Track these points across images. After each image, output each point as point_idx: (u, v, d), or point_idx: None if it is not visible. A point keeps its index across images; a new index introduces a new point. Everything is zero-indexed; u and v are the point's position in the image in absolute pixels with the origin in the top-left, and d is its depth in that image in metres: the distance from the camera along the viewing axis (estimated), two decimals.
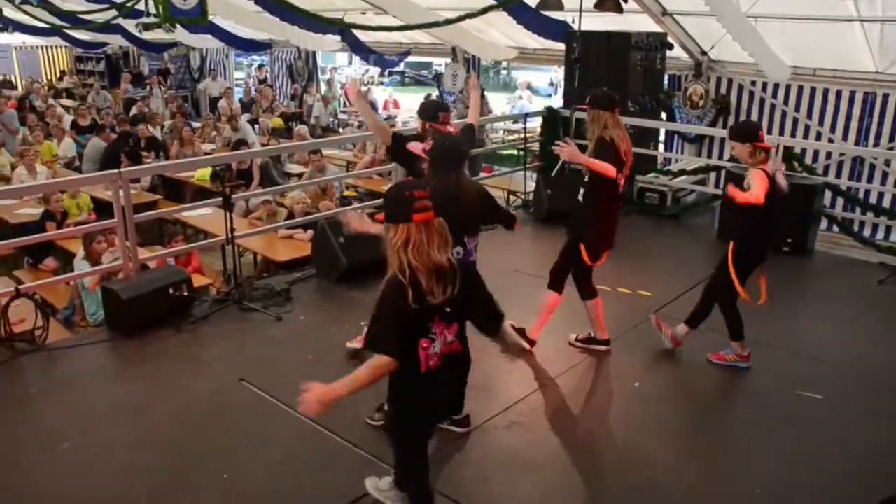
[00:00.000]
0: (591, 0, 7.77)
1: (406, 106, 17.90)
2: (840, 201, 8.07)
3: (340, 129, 15.31)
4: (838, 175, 8.56)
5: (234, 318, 5.58)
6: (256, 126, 13.75)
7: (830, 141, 8.80)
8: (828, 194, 7.78)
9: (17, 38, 19.23)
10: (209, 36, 14.90)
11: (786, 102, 9.18)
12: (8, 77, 20.58)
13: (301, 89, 16.64)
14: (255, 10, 11.74)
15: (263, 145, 11.80)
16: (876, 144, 8.41)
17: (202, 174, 9.91)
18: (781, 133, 9.02)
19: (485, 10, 7.99)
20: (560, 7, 8.11)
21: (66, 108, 15.63)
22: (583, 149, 4.74)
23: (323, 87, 17.53)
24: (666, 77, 10.00)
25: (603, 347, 5.08)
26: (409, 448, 3.04)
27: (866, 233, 7.77)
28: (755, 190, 4.41)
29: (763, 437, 4.12)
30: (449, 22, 8.68)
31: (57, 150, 11.67)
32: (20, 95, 16.64)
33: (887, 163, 8.32)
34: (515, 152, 12.96)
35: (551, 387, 4.63)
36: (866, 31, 7.83)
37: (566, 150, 4.56)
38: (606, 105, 4.69)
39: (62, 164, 11.24)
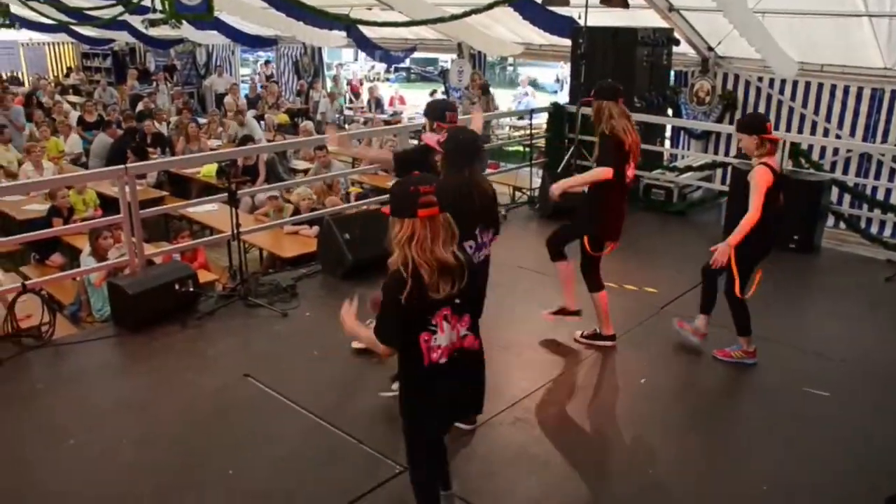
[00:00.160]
0: None
1: (412, 102, 17.88)
2: (847, 198, 8.04)
3: (346, 126, 15.31)
4: (845, 171, 8.54)
5: (240, 314, 5.59)
6: (262, 122, 13.76)
7: (838, 137, 8.76)
8: (835, 191, 7.74)
9: (25, 35, 19.26)
10: (215, 32, 14.91)
11: (793, 98, 9.14)
12: (15, 73, 20.62)
13: (307, 85, 16.64)
14: (261, 5, 11.76)
15: (269, 142, 11.81)
16: (884, 141, 8.37)
17: (208, 170, 9.92)
18: (788, 129, 8.99)
19: (490, 6, 7.99)
20: (566, 3, 8.09)
21: (73, 105, 15.66)
22: (590, 145, 4.76)
23: (329, 84, 17.54)
24: (672, 73, 9.98)
25: (608, 343, 5.06)
26: (412, 443, 3.02)
27: (874, 230, 7.74)
28: (752, 206, 4.47)
29: (769, 434, 4.11)
30: (454, 17, 8.68)
31: (63, 146, 11.71)
32: (27, 92, 16.66)
33: (895, 159, 8.28)
34: (521, 148, 12.96)
35: (557, 383, 4.62)
36: (874, 27, 7.79)
37: (557, 189, 4.87)
38: (610, 95, 4.72)
39: (68, 160, 11.28)
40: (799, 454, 3.93)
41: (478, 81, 11.74)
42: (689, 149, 10.11)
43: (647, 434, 4.16)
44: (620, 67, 8.50)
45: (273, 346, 5.13)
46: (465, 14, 8.47)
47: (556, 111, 9.17)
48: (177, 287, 5.45)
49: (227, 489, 3.63)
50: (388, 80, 25.94)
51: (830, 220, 7.67)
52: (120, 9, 11.27)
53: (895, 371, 4.79)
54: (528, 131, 9.60)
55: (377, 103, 16.82)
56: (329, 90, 16.50)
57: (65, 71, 21.88)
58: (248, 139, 11.10)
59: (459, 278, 2.70)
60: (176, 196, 9.77)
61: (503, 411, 4.24)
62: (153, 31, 14.98)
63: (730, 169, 8.09)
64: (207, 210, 8.13)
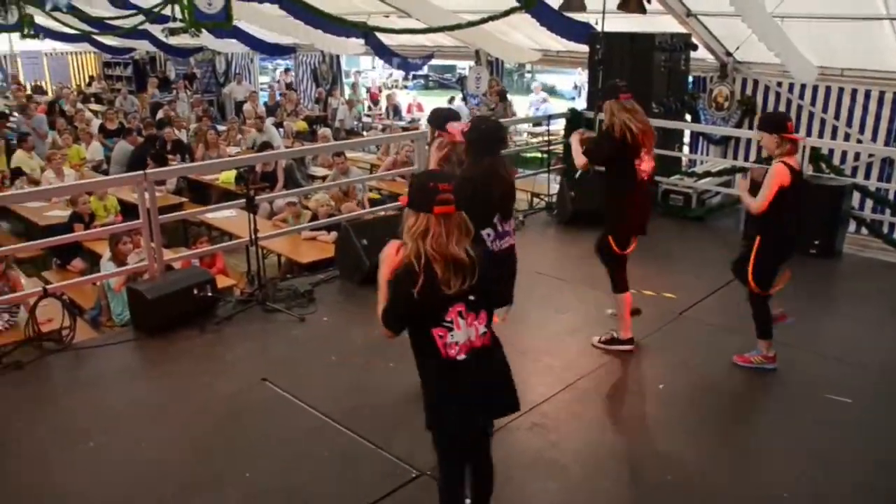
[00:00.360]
0: (615, 1, 7.73)
1: (430, 109, 17.88)
2: (869, 203, 7.94)
3: (364, 133, 15.37)
4: (867, 176, 8.43)
5: (258, 319, 5.62)
6: (281, 130, 13.84)
7: (859, 142, 8.66)
8: (857, 196, 7.66)
9: (48, 45, 19.54)
10: (234, 40, 15.02)
11: (813, 103, 9.05)
12: (39, 83, 20.90)
13: (325, 93, 16.73)
14: (280, 14, 11.84)
15: (287, 149, 11.87)
16: None
17: (227, 177, 9.99)
18: (809, 134, 8.89)
19: (507, 13, 7.98)
20: (583, 8, 8.07)
21: (95, 113, 15.84)
22: None
23: (347, 91, 17.62)
24: (691, 79, 9.93)
25: (626, 347, 5.03)
26: (436, 442, 2.98)
27: None
28: (761, 196, 4.48)
29: (790, 441, 4.06)
30: (471, 24, 8.69)
31: (85, 153, 11.85)
32: (49, 100, 16.88)
33: None
34: (539, 155, 12.95)
35: (574, 388, 4.59)
36: None
37: (575, 136, 4.93)
38: (610, 94, 4.79)
39: (90, 167, 11.42)
40: (820, 461, 3.87)
41: (495, 88, 11.75)
42: (708, 154, 10.04)
43: (665, 439, 4.13)
44: (638, 73, 8.48)
45: (290, 351, 5.15)
46: (482, 21, 8.47)
47: (573, 117, 9.15)
48: (195, 292, 5.49)
49: (243, 492, 3.65)
50: (406, 87, 26.04)
51: (852, 226, 7.59)
52: (140, 18, 11.39)
53: None
54: (545, 138, 9.57)
55: (395, 110, 16.88)
56: (347, 97, 16.57)
57: (87, 80, 22.14)
58: (266, 146, 11.16)
59: (471, 275, 2.73)
60: (195, 202, 9.84)
61: (520, 416, 4.20)
62: (173, 40, 15.17)
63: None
64: (226, 216, 8.18)
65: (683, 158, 9.61)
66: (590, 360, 4.97)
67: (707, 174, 8.52)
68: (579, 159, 4.86)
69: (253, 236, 5.91)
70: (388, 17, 11.60)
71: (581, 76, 20.50)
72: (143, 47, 19.08)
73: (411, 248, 2.71)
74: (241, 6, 11.26)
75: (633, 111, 4.72)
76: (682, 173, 8.71)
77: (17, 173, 10.34)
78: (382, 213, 7.55)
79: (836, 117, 8.88)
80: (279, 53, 17.46)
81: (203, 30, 10.18)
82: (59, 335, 5.22)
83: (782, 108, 9.32)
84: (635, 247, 4.98)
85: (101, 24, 13.88)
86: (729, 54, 9.52)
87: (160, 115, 14.67)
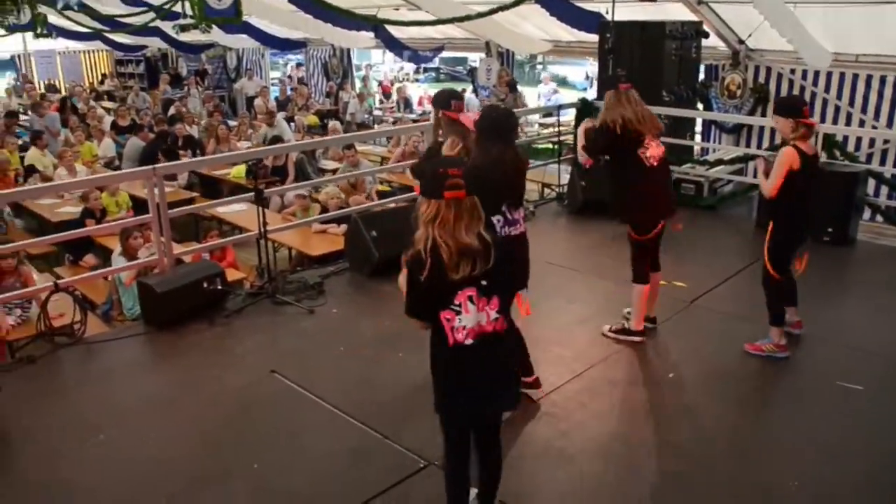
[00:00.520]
0: None
1: None
2: (885, 191, 7.84)
3: (375, 126, 15.36)
4: (882, 163, 8.33)
5: (268, 312, 5.62)
6: (292, 124, 13.86)
7: (874, 128, 8.55)
8: (872, 183, 7.56)
9: (61, 44, 19.67)
10: (245, 36, 15.06)
11: (827, 90, 8.96)
12: (52, 81, 21.04)
13: (336, 87, 16.73)
14: (290, 8, 11.85)
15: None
16: None
17: (238, 171, 10.02)
18: (823, 121, 8.79)
19: (517, 3, 7.93)
20: None
21: (107, 110, 15.93)
22: None
23: (358, 84, 17.60)
24: (703, 67, 9.84)
25: (637, 339, 4.98)
26: (444, 430, 3.00)
27: None
28: (771, 179, 4.48)
29: (800, 429, 4.01)
30: (481, 15, 8.63)
31: (97, 150, 11.92)
32: (61, 97, 16.98)
33: None
34: (551, 146, 12.89)
35: (584, 377, 4.56)
36: None
37: (581, 127, 4.89)
38: (609, 84, 4.80)
39: (102, 163, 11.47)
40: (829, 451, 3.82)
41: (505, 78, 11.70)
42: (720, 143, 9.96)
43: (674, 429, 4.09)
44: (648, 61, 8.42)
45: (300, 343, 5.15)
46: (492, 11, 8.43)
47: (583, 106, 9.08)
48: (205, 285, 5.50)
49: (253, 484, 3.65)
50: (417, 80, 25.99)
51: (868, 214, 7.50)
52: (151, 15, 11.44)
53: None
54: (556, 128, 9.52)
55: (406, 103, 16.86)
56: (358, 91, 16.57)
57: (99, 78, 22.27)
58: (277, 140, 11.19)
59: (483, 260, 2.73)
60: (207, 198, 9.86)
61: (530, 406, 4.19)
62: (184, 37, 15.18)
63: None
64: (236, 210, 8.21)
65: (696, 147, 9.52)
66: (600, 349, 4.93)
67: (719, 162, 8.45)
68: (581, 155, 4.86)
69: (262, 230, 5.91)
70: (397, 9, 11.57)
71: (593, 66, 20.37)
72: (154, 44, 19.19)
73: (422, 233, 2.74)
74: (251, 1, 11.30)
75: (630, 101, 4.68)
76: (694, 162, 8.63)
77: (30, 171, 10.42)
78: (393, 205, 7.53)
79: (851, 104, 8.77)
80: (289, 48, 17.51)
81: (214, 26, 10.20)
82: (70, 329, 5.25)
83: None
84: (658, 234, 4.91)
85: (113, 22, 13.94)
86: (741, 42, 9.43)
87: (172, 111, 14.71)
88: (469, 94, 15.09)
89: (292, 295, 5.80)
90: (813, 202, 4.64)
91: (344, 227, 7.10)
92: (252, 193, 6.08)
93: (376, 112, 16.57)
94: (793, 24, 7.81)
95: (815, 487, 3.56)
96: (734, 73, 9.61)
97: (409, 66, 24.97)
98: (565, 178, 8.58)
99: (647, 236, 4.84)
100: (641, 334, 5.00)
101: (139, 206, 8.71)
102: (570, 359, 4.79)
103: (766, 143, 9.09)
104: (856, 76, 8.68)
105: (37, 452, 3.96)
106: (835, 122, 8.84)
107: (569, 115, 9.89)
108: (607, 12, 8.50)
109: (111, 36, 17.20)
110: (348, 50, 16.61)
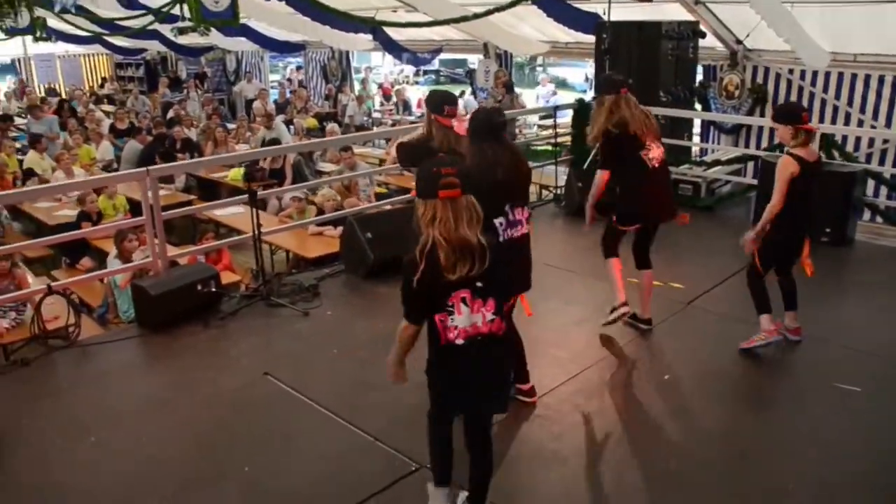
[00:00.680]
0: None
1: None
2: (884, 191, 7.80)
3: (374, 129, 15.34)
4: (881, 163, 8.30)
5: (262, 314, 5.60)
6: (291, 127, 13.85)
7: (873, 128, 8.52)
8: (871, 184, 7.53)
9: (61, 48, 19.65)
10: (243, 38, 15.05)
11: (825, 90, 8.93)
12: (52, 85, 21.06)
13: (335, 89, 16.71)
14: (288, 11, 11.83)
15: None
16: None
17: (235, 174, 10.01)
18: (822, 121, 8.77)
19: (513, 3, 7.92)
20: None
21: (106, 114, 15.93)
22: None
23: (357, 87, 17.58)
24: (701, 67, 9.82)
25: (623, 310, 4.90)
26: (432, 408, 3.09)
27: None
28: (774, 194, 4.49)
29: (797, 430, 3.99)
30: (477, 16, 8.63)
31: (95, 153, 11.91)
32: (59, 100, 16.98)
33: None
34: (550, 147, 12.86)
35: (578, 380, 4.54)
36: None
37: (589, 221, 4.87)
38: (611, 88, 4.71)
39: (100, 167, 11.46)
40: (827, 452, 3.80)
41: (501, 79, 11.66)
42: (719, 143, 9.93)
43: (669, 431, 4.07)
44: (645, 61, 8.41)
45: (293, 345, 5.13)
46: (488, 12, 8.42)
47: (581, 108, 9.06)
48: (199, 288, 5.48)
49: (244, 487, 3.63)
50: (417, 82, 25.99)
51: (867, 215, 7.47)
52: (150, 18, 11.44)
53: None
54: (553, 130, 9.49)
55: (404, 105, 16.84)
56: (357, 93, 16.55)
57: (99, 81, 22.28)
58: (274, 142, 11.17)
59: (480, 260, 2.73)
60: (204, 200, 9.85)
61: (524, 407, 4.17)
62: (183, 40, 15.22)
63: (759, 162, 7.91)
64: (233, 213, 8.19)
65: (693, 148, 9.49)
66: (596, 351, 4.91)
67: (716, 163, 8.42)
68: (598, 184, 4.79)
69: (257, 232, 5.90)
70: (395, 11, 11.56)
71: (592, 68, 20.34)
72: (154, 48, 19.18)
73: (423, 237, 2.74)
74: (249, 4, 11.31)
75: (630, 105, 4.67)
76: (692, 162, 8.61)
77: (28, 174, 10.41)
78: (389, 206, 7.52)
79: (850, 104, 8.75)
80: (289, 51, 17.49)
81: (212, 28, 10.22)
82: (65, 332, 5.22)
83: (794, 96, 9.22)
84: (641, 230, 4.97)
85: (112, 25, 13.97)
86: (739, 42, 9.41)
87: (171, 114, 14.73)
88: (468, 96, 15.10)
89: (287, 297, 5.78)
90: (814, 205, 4.66)
91: (340, 229, 7.08)
92: (245, 196, 6.06)
93: (375, 114, 16.54)
94: (790, 23, 7.78)
95: (811, 488, 3.54)
96: (732, 74, 9.59)
97: (409, 69, 24.96)
98: (563, 180, 8.56)
99: (624, 227, 4.87)
100: (625, 304, 4.94)
101: (137, 209, 8.68)
102: (565, 360, 4.76)
103: (764, 143, 9.06)
104: (854, 76, 8.65)
105: (30, 454, 3.94)
106: (833, 121, 8.81)
107: (566, 117, 9.85)
108: (604, 13, 8.48)
109: (111, 39, 17.20)
110: (347, 52, 16.60)
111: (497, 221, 3.79)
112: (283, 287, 5.96)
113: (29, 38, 14.64)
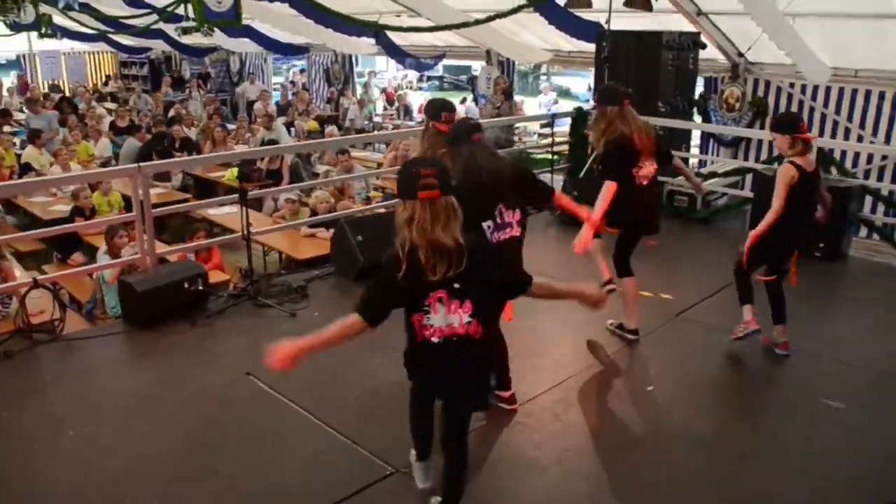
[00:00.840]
0: None
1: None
2: (881, 207, 7.76)
3: (375, 132, 15.33)
4: (880, 179, 8.26)
5: (249, 314, 5.57)
6: (292, 129, 13.85)
7: (872, 144, 8.48)
8: (869, 201, 7.49)
9: (66, 45, 19.69)
10: (247, 40, 15.07)
11: (826, 105, 8.89)
12: (56, 82, 21.09)
13: (337, 93, 16.72)
14: (292, 13, 11.83)
15: None
16: None
17: (232, 174, 9.98)
18: (822, 136, 8.72)
19: (515, 10, 7.90)
20: (588, 5, 7.99)
21: (109, 111, 15.95)
22: None
23: (359, 91, 17.59)
24: (702, 79, 9.79)
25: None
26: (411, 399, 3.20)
27: None
28: (774, 201, 4.51)
29: (784, 443, 3.95)
30: (479, 22, 8.60)
31: (93, 150, 11.89)
32: (59, 97, 17.00)
33: None
34: (549, 156, 12.84)
35: (561, 388, 4.49)
36: None
37: (579, 243, 4.55)
38: (614, 100, 4.68)
39: (98, 163, 11.44)
40: (815, 464, 3.76)
41: (501, 86, 11.64)
42: (719, 156, 9.89)
43: (654, 440, 4.03)
44: (644, 71, 8.38)
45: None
46: (490, 18, 8.39)
47: (579, 116, 9.04)
48: (186, 285, 5.45)
49: (220, 486, 3.59)
50: (420, 88, 26.01)
51: (864, 232, 7.43)
52: (154, 17, 11.45)
53: None
54: (551, 138, 9.47)
55: (406, 110, 16.86)
56: (358, 97, 16.56)
57: (104, 79, 22.32)
58: (273, 143, 11.16)
59: (457, 262, 2.70)
60: (200, 200, 9.83)
61: (504, 415, 4.13)
62: (187, 40, 15.25)
63: (756, 175, 7.87)
64: (226, 213, 8.17)
65: (691, 159, 9.45)
66: (580, 360, 4.85)
67: (713, 175, 8.38)
68: (602, 206, 4.64)
69: (246, 231, 5.87)
70: (399, 16, 11.55)
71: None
72: (158, 47, 19.22)
73: (400, 237, 2.72)
74: (253, 5, 11.32)
75: (633, 119, 4.65)
76: None
77: (26, 169, 10.41)
78: (383, 209, 7.49)
79: (850, 119, 8.70)
80: (292, 53, 17.50)
81: (217, 29, 10.21)
82: (50, 326, 5.21)
83: (794, 110, 9.15)
84: (624, 235, 4.96)
85: (116, 23, 13.99)
86: (741, 55, 9.37)
87: (171, 113, 14.74)
88: (469, 103, 15.11)
89: (275, 298, 5.75)
90: (811, 215, 4.71)
91: (332, 231, 7.05)
92: (237, 195, 6.04)
93: (376, 119, 16.55)
94: (791, 37, 7.76)
95: (806, 493, 3.55)
96: (733, 86, 9.56)
97: (413, 74, 24.99)
98: (558, 188, 8.51)
99: (606, 227, 4.81)
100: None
101: (132, 206, 8.67)
102: (549, 369, 4.72)
103: (763, 156, 9.03)
104: (855, 91, 8.61)
105: (10, 449, 3.91)
106: (833, 136, 8.77)
107: (565, 126, 9.83)
108: (606, 22, 8.47)
109: (115, 38, 17.25)
110: (350, 56, 16.61)
111: (485, 224, 3.75)
112: (272, 287, 5.93)
113: (34, 34, 14.65)
